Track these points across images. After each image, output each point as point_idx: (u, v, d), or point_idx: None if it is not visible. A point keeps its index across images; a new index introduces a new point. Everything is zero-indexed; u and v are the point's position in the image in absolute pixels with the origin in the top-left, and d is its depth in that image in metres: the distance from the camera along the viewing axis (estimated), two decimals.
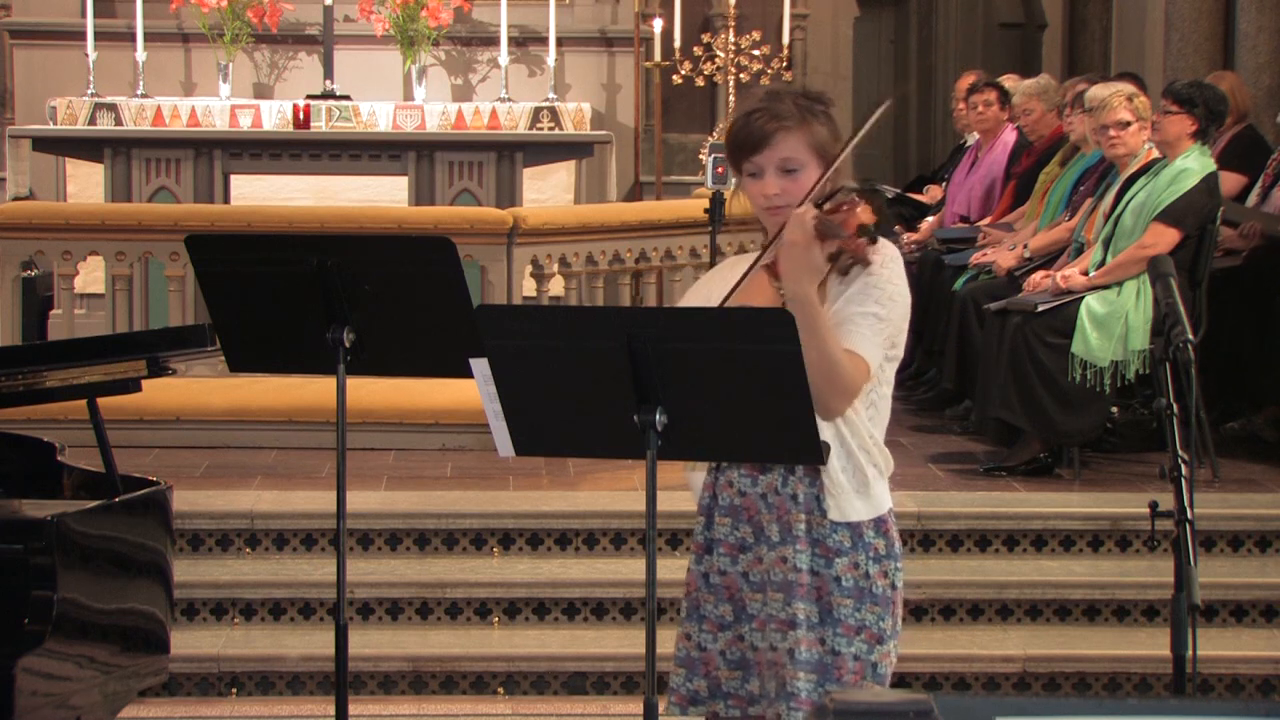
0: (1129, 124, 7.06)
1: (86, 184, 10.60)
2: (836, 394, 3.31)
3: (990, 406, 7.16)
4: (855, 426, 3.40)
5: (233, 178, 10.41)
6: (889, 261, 3.36)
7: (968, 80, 9.64)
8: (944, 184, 9.93)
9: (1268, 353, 7.48)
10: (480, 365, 3.39)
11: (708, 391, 3.26)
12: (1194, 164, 6.95)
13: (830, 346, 3.27)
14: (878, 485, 3.45)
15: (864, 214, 3.27)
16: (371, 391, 7.23)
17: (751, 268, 3.41)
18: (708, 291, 3.56)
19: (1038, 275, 7.24)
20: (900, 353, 3.45)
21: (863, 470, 3.42)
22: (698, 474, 3.60)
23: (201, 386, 7.66)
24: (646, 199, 11.48)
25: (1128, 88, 7.29)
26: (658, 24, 11.57)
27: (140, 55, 10.64)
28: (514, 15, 10.93)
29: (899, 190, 11.22)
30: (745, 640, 3.51)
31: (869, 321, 3.34)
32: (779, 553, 3.44)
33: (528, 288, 8.25)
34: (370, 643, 6.01)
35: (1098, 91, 7.40)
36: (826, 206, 3.34)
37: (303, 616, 6.19)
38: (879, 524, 3.46)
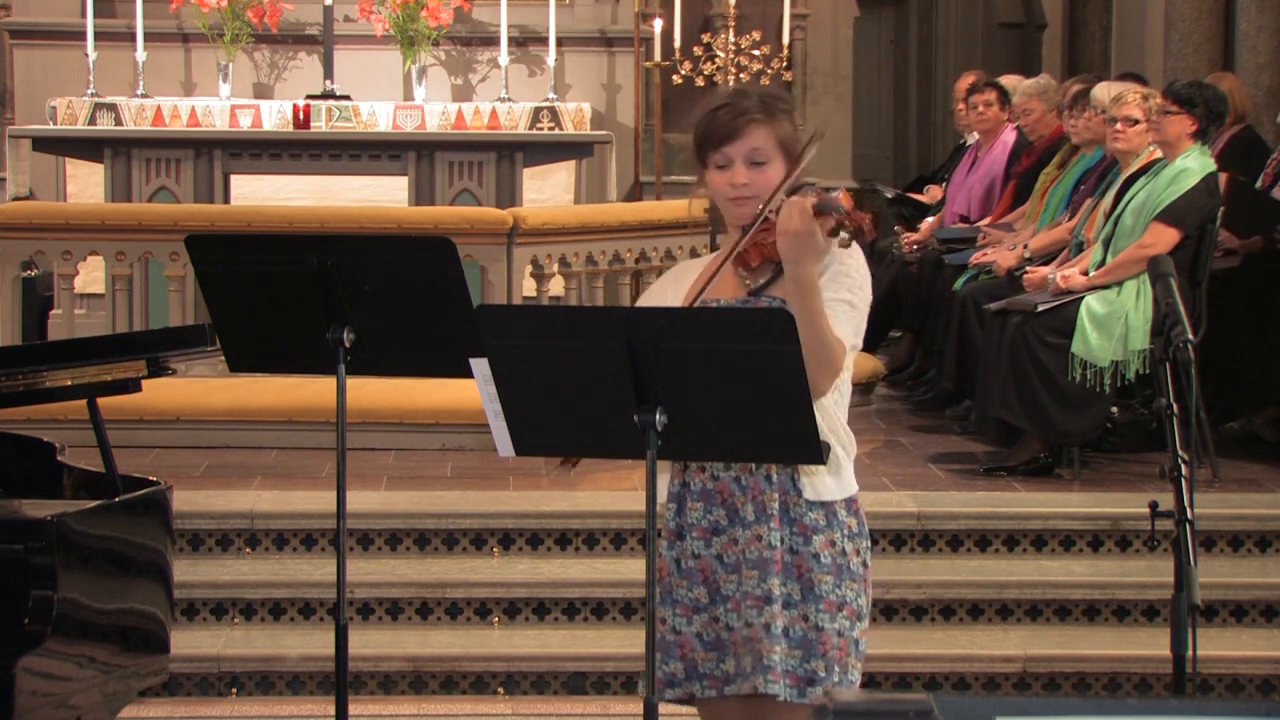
0: (1137, 122, 7.07)
1: (86, 184, 10.59)
2: (827, 373, 3.42)
3: (990, 406, 7.16)
4: (826, 409, 3.49)
5: (233, 178, 10.40)
6: (854, 250, 3.47)
7: (968, 80, 9.64)
8: (944, 184, 9.93)
9: (1268, 353, 7.49)
10: (480, 365, 3.39)
11: (708, 391, 3.27)
12: (1194, 164, 6.95)
13: (825, 326, 3.38)
14: (846, 465, 3.56)
15: (844, 197, 3.34)
16: (371, 391, 7.23)
17: (728, 257, 3.47)
18: (660, 300, 3.64)
19: (1045, 271, 7.22)
20: (860, 342, 3.55)
21: (834, 451, 3.52)
22: (663, 475, 3.63)
23: (201, 386, 7.66)
24: (646, 199, 11.48)
25: (1144, 88, 7.32)
26: (658, 24, 11.57)
27: (140, 55, 10.63)
28: (514, 15, 10.93)
29: (899, 190, 11.22)
30: (720, 621, 3.56)
31: (843, 308, 3.46)
32: (754, 531, 3.51)
33: (528, 288, 8.25)
34: (370, 643, 6.01)
35: (1103, 90, 7.42)
36: (795, 198, 3.41)
37: (303, 616, 6.20)
38: (850, 503, 3.57)
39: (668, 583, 3.61)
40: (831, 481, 3.53)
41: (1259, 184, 7.90)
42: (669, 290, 3.66)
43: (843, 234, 3.31)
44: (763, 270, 3.49)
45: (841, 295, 3.45)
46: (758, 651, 3.47)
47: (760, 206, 3.47)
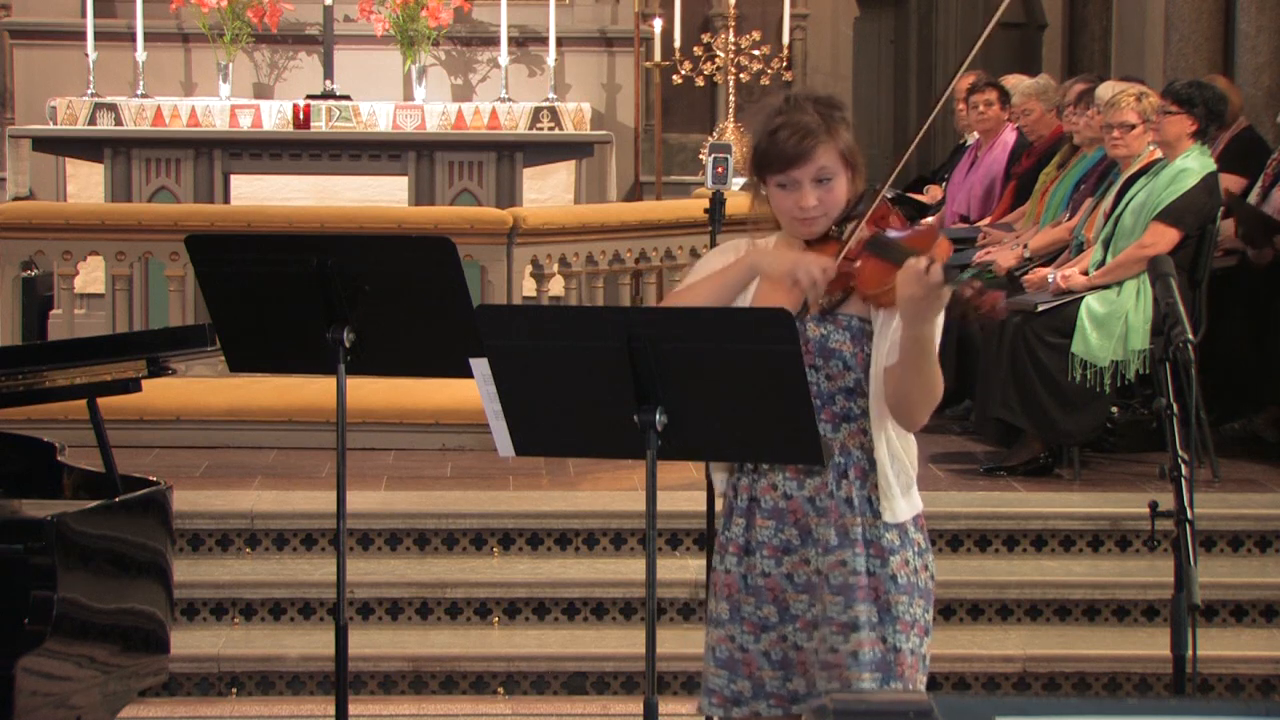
0: (1134, 126, 7.06)
1: (86, 184, 10.60)
2: (928, 409, 3.42)
3: (990, 406, 7.16)
4: (901, 429, 3.47)
5: (233, 178, 10.41)
6: None
7: (968, 80, 9.63)
8: (944, 184, 9.93)
9: (1268, 353, 7.48)
10: (480, 365, 3.39)
11: (708, 391, 3.27)
12: (1194, 164, 6.95)
13: (935, 369, 3.33)
14: (914, 481, 3.55)
15: (944, 246, 3.25)
16: (371, 391, 7.23)
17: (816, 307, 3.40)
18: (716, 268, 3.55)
19: (1046, 271, 7.21)
20: None
21: (906, 470, 3.51)
22: (720, 474, 3.60)
23: (201, 386, 7.66)
24: (646, 199, 11.48)
25: (1137, 87, 7.30)
26: (658, 24, 11.57)
27: (140, 55, 10.64)
28: (514, 15, 10.93)
29: (899, 190, 11.22)
30: (788, 640, 3.52)
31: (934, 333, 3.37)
32: (837, 556, 3.46)
33: (528, 288, 8.25)
34: (370, 643, 6.01)
35: (1107, 90, 7.40)
36: (860, 209, 3.36)
37: (303, 616, 6.20)
38: (916, 520, 3.55)
39: (735, 599, 3.55)
40: (904, 502, 3.49)
41: (1259, 184, 7.89)
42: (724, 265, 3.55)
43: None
44: (835, 295, 3.41)
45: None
46: (845, 679, 3.43)
47: (831, 225, 3.42)
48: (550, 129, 10.70)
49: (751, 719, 3.57)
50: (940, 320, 3.34)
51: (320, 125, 10.49)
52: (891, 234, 3.38)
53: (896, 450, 3.48)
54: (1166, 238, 6.83)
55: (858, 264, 3.36)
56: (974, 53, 3.50)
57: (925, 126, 3.70)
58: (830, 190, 3.44)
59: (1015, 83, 9.12)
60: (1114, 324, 6.84)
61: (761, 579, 3.52)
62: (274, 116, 10.66)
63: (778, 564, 3.51)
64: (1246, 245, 7.57)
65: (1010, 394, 6.99)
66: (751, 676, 3.54)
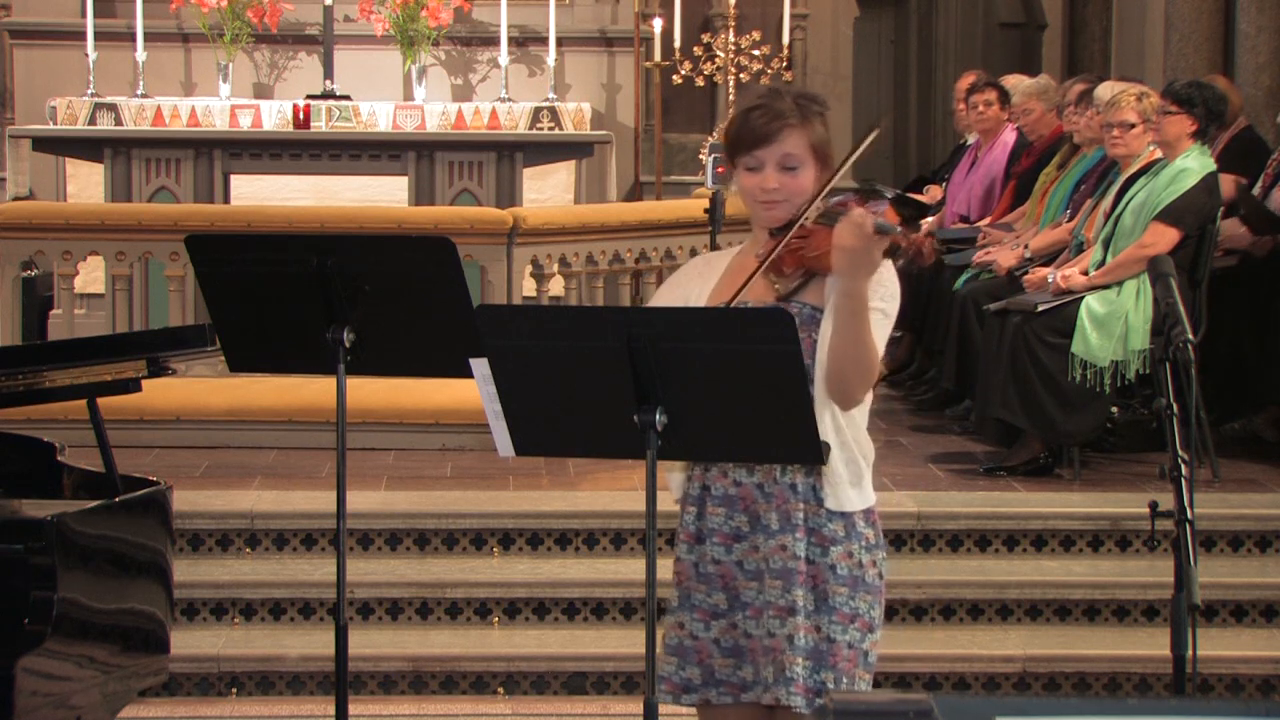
0: (1134, 126, 7.06)
1: (86, 184, 10.60)
2: (865, 384, 3.41)
3: (990, 406, 7.16)
4: (852, 418, 3.47)
5: (233, 178, 10.41)
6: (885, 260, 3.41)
7: (968, 80, 9.64)
8: (944, 184, 9.93)
9: (1268, 353, 7.48)
10: (480, 365, 3.39)
11: (708, 391, 3.27)
12: (1194, 164, 6.95)
13: (869, 338, 3.36)
14: (867, 475, 3.53)
15: (891, 214, 3.31)
16: (371, 391, 7.23)
17: (763, 262, 3.45)
18: (684, 293, 3.61)
19: (1046, 271, 7.21)
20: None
21: (857, 461, 3.49)
22: (676, 474, 3.62)
23: (201, 386, 7.66)
24: (646, 199, 11.48)
25: (1137, 87, 7.30)
26: (658, 24, 11.58)
27: (140, 55, 10.64)
28: (514, 15, 10.93)
29: (899, 190, 11.22)
30: (739, 628, 3.53)
31: (876, 317, 3.41)
32: (778, 541, 3.47)
33: (528, 288, 8.25)
34: (370, 643, 6.01)
35: (1107, 90, 7.40)
36: (834, 202, 3.40)
37: (303, 616, 6.20)
38: (868, 514, 3.53)
39: (686, 587, 3.57)
40: (853, 493, 3.49)
41: (1259, 185, 7.89)
42: (694, 284, 3.61)
43: (899, 259, 3.29)
44: (794, 276, 3.46)
45: (875, 304, 3.40)
46: (780, 663, 3.44)
47: (796, 211, 3.44)
48: (550, 129, 10.70)
49: (701, 706, 3.58)
50: (897, 298, 3.41)
51: (320, 125, 10.49)
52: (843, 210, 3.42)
53: (846, 439, 3.46)
54: (1166, 238, 6.83)
55: (809, 236, 3.41)
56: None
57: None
58: (795, 178, 3.47)
59: (1015, 83, 9.12)
60: (1114, 324, 6.84)
61: (713, 566, 3.54)
62: (274, 116, 10.67)
63: (728, 551, 3.53)
64: (1246, 227, 7.56)
65: (1010, 394, 6.99)
66: (702, 664, 3.55)
